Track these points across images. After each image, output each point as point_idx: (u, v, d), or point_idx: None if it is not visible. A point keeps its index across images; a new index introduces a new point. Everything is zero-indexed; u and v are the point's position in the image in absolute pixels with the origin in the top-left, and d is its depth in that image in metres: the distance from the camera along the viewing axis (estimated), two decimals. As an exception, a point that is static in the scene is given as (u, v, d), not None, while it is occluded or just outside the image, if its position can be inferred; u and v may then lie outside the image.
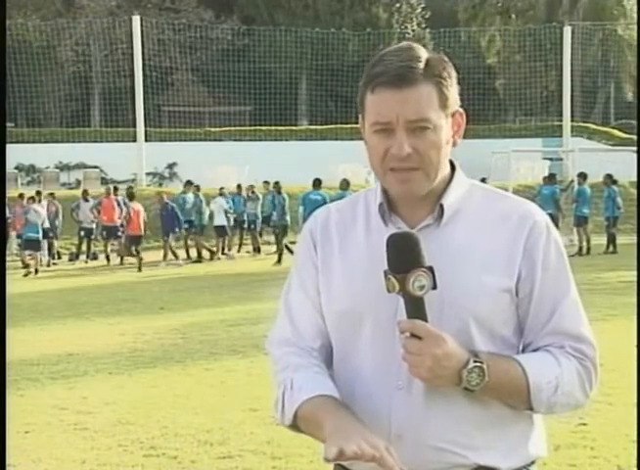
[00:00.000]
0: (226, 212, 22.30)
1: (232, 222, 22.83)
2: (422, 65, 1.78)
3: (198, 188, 22.81)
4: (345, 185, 19.34)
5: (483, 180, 21.31)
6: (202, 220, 22.08)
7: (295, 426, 1.86)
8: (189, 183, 23.18)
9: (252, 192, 23.41)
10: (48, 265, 21.68)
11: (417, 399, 1.80)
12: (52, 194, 23.82)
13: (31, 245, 20.24)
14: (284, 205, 20.71)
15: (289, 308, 1.97)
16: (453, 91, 1.84)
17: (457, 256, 1.82)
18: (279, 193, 20.95)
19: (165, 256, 21.05)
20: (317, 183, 19.51)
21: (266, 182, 23.80)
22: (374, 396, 1.83)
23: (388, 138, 1.78)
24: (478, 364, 1.74)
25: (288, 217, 20.78)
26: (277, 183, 21.28)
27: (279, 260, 19.79)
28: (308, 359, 1.90)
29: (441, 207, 1.85)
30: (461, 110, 1.87)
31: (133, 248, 20.71)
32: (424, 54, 1.80)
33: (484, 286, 1.80)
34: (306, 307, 1.94)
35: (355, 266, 1.88)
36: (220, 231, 22.47)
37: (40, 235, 20.47)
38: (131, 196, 21.65)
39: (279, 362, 1.93)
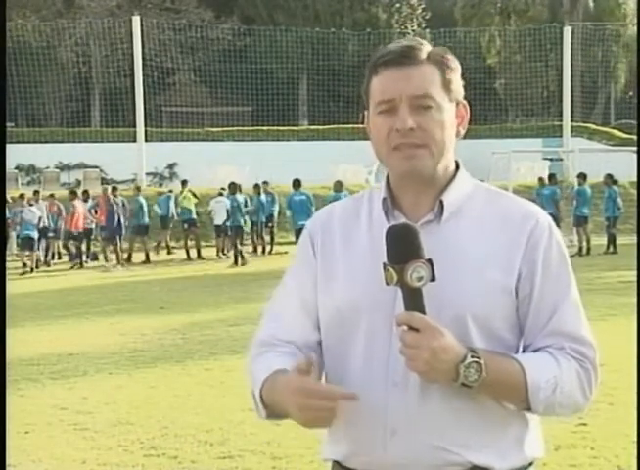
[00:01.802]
0: (228, 213, 22.25)
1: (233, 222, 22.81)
2: (425, 48, 1.84)
3: (138, 189, 23.16)
4: (339, 186, 19.35)
5: (482, 181, 21.32)
6: (141, 221, 22.04)
7: (272, 415, 1.89)
8: (185, 183, 23.19)
9: (220, 194, 23.22)
10: (48, 265, 21.67)
11: (412, 396, 1.79)
12: (52, 195, 23.81)
13: (26, 244, 20.26)
14: (237, 206, 20.68)
15: (272, 308, 2.01)
16: (456, 80, 1.88)
17: (456, 253, 1.82)
18: (233, 194, 20.87)
19: (117, 256, 20.95)
20: (297, 184, 19.50)
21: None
22: (371, 390, 1.82)
23: (391, 117, 1.81)
24: (475, 360, 1.72)
25: (242, 220, 20.86)
26: (233, 184, 21.18)
27: (235, 262, 19.98)
28: (270, 349, 1.93)
29: (441, 203, 1.86)
30: (465, 102, 1.90)
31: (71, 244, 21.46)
32: (427, 45, 1.86)
33: (482, 283, 1.80)
34: (292, 308, 1.95)
35: (356, 261, 1.88)
36: (221, 230, 22.43)
37: (35, 234, 20.47)
38: (73, 195, 21.91)
39: (250, 363, 1.99)
